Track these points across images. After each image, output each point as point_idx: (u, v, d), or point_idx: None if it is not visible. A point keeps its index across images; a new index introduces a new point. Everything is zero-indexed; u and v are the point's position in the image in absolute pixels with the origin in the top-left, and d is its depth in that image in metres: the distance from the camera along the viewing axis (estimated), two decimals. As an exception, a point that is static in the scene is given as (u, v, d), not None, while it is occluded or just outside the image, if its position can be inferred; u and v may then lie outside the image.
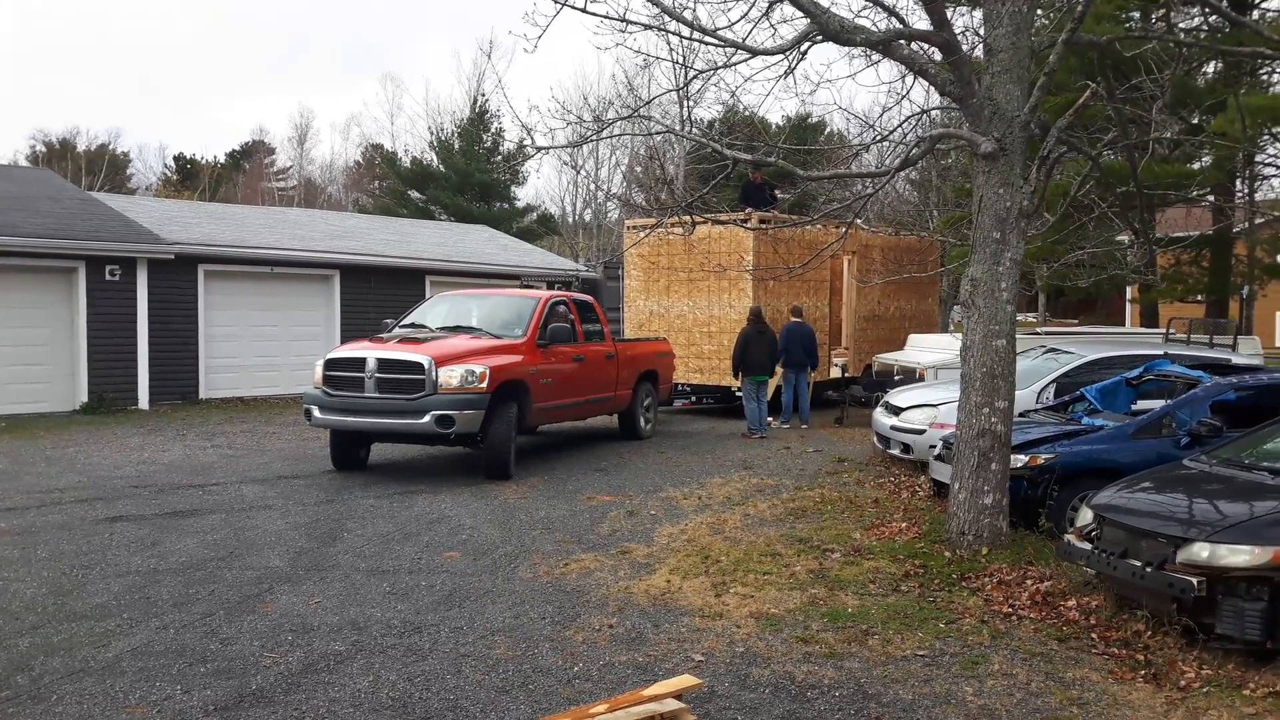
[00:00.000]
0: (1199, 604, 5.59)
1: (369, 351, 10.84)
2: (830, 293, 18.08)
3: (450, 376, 10.39)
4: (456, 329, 11.91)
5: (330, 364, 10.99)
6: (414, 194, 41.84)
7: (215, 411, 16.77)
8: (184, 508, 9.28)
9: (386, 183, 47.35)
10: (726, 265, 15.74)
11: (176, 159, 59.79)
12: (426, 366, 10.42)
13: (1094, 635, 5.97)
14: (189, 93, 77.45)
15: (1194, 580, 5.54)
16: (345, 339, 18.33)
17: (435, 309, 12.89)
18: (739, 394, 16.67)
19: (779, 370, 15.39)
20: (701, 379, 17.05)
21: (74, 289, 16.26)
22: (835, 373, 17.54)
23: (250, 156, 62.92)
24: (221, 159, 60.47)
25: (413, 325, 12.30)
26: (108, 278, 16.47)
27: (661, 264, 17.28)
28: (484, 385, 10.46)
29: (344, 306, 19.83)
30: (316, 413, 10.83)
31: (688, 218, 9.89)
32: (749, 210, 16.74)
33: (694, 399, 17.92)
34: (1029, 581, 6.92)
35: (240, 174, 60.18)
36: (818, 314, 17.61)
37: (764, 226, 15.44)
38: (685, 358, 16.94)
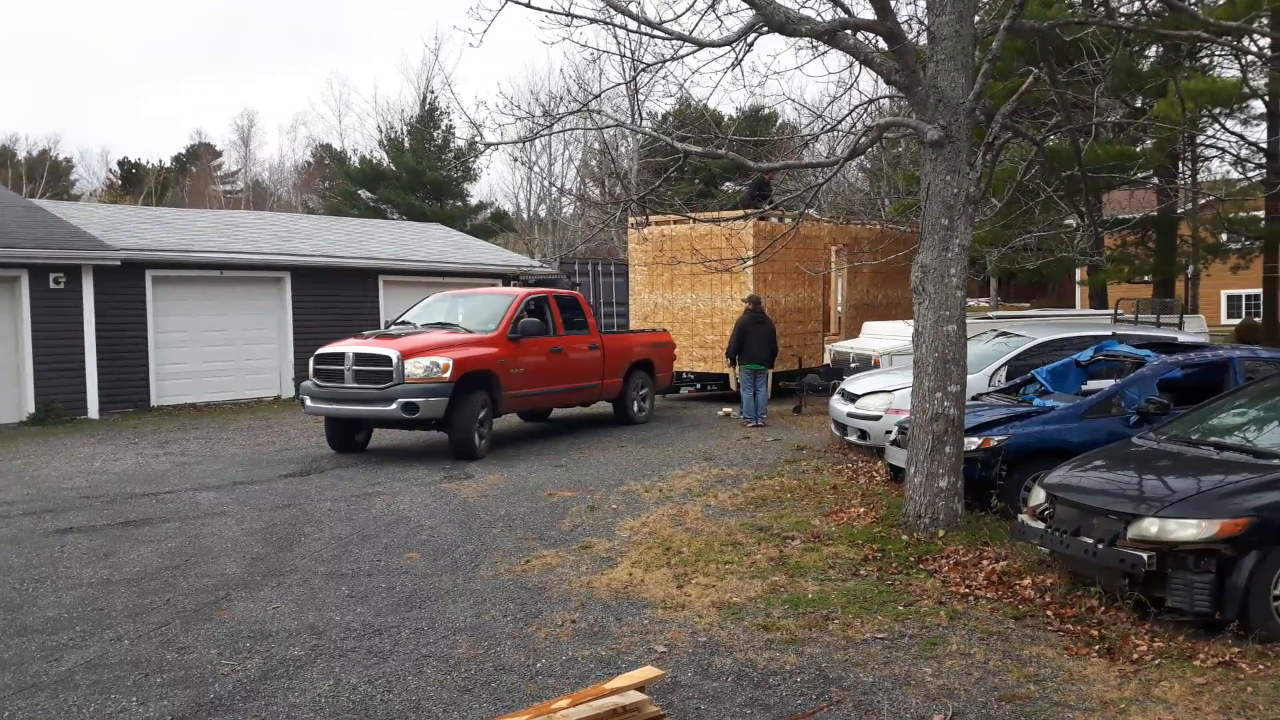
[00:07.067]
0: (1150, 579, 5.71)
1: (349, 347, 12.11)
2: (824, 283, 18.67)
3: (416, 368, 11.54)
4: (437, 325, 13.05)
5: (318, 358, 12.28)
6: (365, 194, 41.41)
7: (168, 419, 16.50)
8: (137, 517, 9.13)
9: (336, 183, 46.87)
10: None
11: (121, 164, 58.79)
12: (394, 359, 11.56)
13: (1049, 613, 6.07)
14: (126, 83, 75.87)
15: (1144, 555, 5.65)
16: (298, 341, 19.00)
17: (431, 308, 13.90)
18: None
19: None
20: (705, 367, 17.74)
21: (17, 298, 15.89)
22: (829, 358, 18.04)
23: (196, 160, 61.96)
24: (167, 163, 59.50)
25: (402, 323, 13.50)
26: (52, 286, 16.12)
27: (665, 259, 17.79)
28: (447, 375, 11.55)
29: (296, 309, 19.52)
30: (309, 401, 12.18)
31: (645, 215, 9.92)
32: (747, 206, 17.39)
33: (699, 386, 18.41)
34: (985, 562, 7.02)
35: (186, 178, 59.25)
36: (812, 304, 18.46)
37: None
38: (689, 347, 17.54)
